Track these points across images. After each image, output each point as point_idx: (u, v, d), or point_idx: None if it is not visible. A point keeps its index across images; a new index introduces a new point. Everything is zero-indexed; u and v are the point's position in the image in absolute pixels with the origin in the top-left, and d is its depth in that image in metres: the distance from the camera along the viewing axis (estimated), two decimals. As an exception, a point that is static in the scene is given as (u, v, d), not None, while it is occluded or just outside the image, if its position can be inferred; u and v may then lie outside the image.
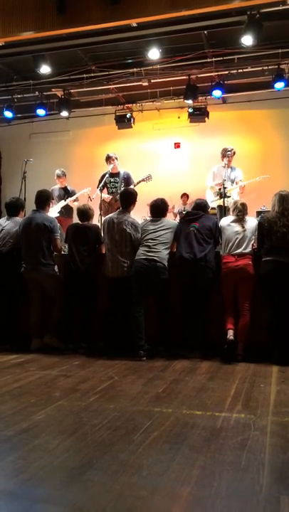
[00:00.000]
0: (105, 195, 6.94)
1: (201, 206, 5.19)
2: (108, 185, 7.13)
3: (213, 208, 6.78)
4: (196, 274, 4.77)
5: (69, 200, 7.45)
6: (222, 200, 6.51)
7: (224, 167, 6.92)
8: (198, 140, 11.08)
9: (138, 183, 6.87)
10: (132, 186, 6.75)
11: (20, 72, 10.03)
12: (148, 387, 3.68)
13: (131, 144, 11.04)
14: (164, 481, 2.14)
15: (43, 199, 5.49)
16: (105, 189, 7.08)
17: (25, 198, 6.62)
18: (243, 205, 5.01)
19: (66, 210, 7.57)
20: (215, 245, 4.96)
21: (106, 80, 9.89)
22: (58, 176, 7.70)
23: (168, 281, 4.84)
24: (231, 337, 4.54)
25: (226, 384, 3.77)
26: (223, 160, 7.04)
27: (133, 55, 9.17)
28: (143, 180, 6.90)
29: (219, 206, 6.88)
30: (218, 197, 6.96)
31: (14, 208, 5.68)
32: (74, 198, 7.42)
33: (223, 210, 6.29)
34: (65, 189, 7.71)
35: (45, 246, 5.24)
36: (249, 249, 4.81)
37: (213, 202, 7.03)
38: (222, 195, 6.52)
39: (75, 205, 7.18)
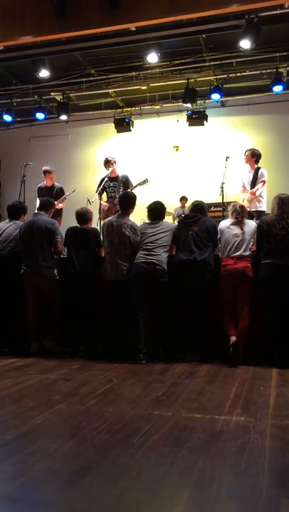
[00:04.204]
0: (104, 203, 6.90)
1: (198, 208, 5.16)
2: (107, 190, 7.11)
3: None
4: (196, 277, 4.76)
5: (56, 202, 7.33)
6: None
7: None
8: (197, 143, 11.10)
9: (134, 187, 6.88)
10: (130, 189, 6.74)
11: (20, 76, 10.08)
12: (147, 390, 3.67)
13: (130, 148, 11.06)
14: (164, 485, 2.14)
15: (47, 203, 5.63)
16: (104, 193, 7.06)
17: (24, 201, 6.62)
18: (242, 207, 5.02)
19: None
20: (214, 248, 4.96)
21: (105, 83, 9.95)
22: (44, 173, 7.48)
23: (167, 285, 4.84)
24: (234, 338, 4.55)
25: (226, 387, 3.76)
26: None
27: (132, 59, 9.22)
28: (140, 184, 6.90)
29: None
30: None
31: (16, 211, 5.71)
32: (60, 200, 7.23)
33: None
34: (50, 188, 7.48)
35: (46, 248, 5.24)
36: (248, 251, 4.80)
37: None
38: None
39: (60, 206, 7.16)
